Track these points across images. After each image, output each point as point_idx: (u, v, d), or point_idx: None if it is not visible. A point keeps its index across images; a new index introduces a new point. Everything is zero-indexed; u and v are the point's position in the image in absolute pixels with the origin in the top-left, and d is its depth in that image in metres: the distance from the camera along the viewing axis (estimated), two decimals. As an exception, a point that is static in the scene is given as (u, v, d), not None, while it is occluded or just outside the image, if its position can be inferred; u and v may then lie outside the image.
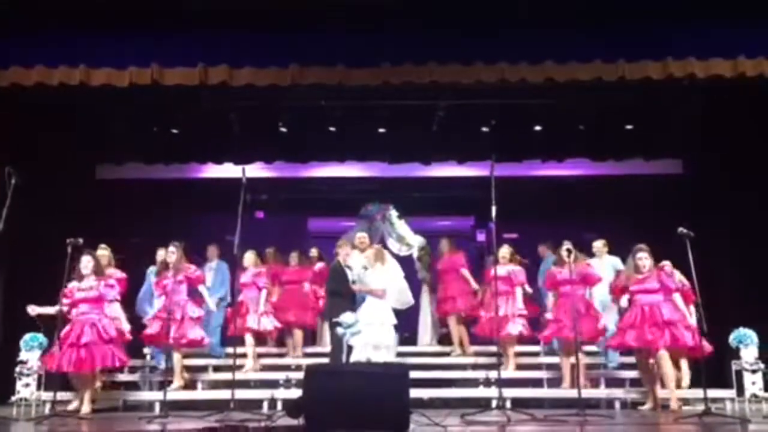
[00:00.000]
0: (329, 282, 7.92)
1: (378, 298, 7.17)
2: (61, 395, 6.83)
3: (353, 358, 6.98)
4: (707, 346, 6.62)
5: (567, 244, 7.35)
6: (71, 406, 6.68)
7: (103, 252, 7.59)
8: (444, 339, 9.09)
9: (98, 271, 6.84)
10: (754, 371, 7.35)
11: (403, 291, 7.58)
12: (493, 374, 7.39)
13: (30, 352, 7.44)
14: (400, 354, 7.79)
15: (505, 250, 8.09)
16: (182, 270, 7.43)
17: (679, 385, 6.97)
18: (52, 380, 6.92)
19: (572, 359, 7.04)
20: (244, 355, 8.12)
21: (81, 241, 6.62)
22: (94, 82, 7.46)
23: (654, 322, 6.54)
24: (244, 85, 7.57)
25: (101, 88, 7.51)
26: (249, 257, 8.41)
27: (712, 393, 6.45)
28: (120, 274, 7.63)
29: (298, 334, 8.73)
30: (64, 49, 7.49)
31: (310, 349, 8.88)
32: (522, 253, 8.97)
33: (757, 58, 7.34)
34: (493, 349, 7.72)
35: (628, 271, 6.88)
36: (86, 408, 6.60)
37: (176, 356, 7.48)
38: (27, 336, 7.47)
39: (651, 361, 6.71)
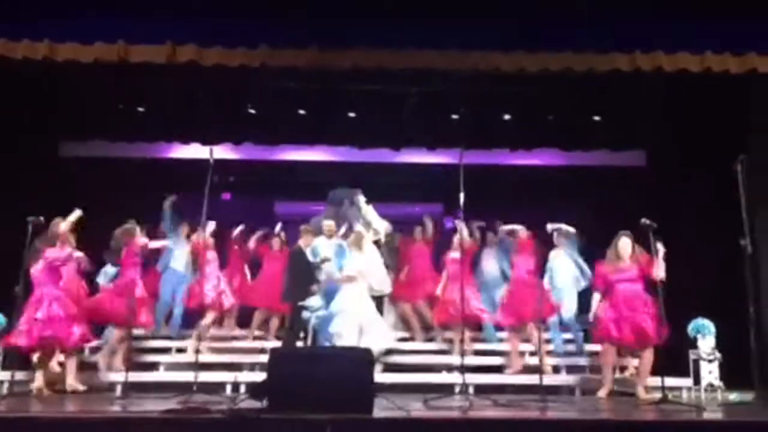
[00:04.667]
0: (290, 266, 7.88)
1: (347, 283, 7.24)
2: (20, 375, 6.73)
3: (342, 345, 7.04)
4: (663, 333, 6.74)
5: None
6: (35, 384, 6.57)
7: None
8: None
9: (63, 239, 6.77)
10: (710, 361, 7.50)
11: (381, 277, 7.62)
12: (456, 360, 7.46)
13: (-12, 331, 7.30)
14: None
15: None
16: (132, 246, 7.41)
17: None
18: (11, 360, 6.82)
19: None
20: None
21: (42, 219, 6.52)
22: (58, 57, 7.30)
23: (635, 311, 6.64)
24: (213, 65, 7.47)
25: (66, 63, 7.35)
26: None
27: (670, 381, 6.58)
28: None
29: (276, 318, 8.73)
30: (28, 23, 7.30)
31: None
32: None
33: (723, 53, 7.45)
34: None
35: (610, 257, 6.92)
36: (39, 383, 6.55)
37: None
38: (-14, 316, 7.33)
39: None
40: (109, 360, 7.48)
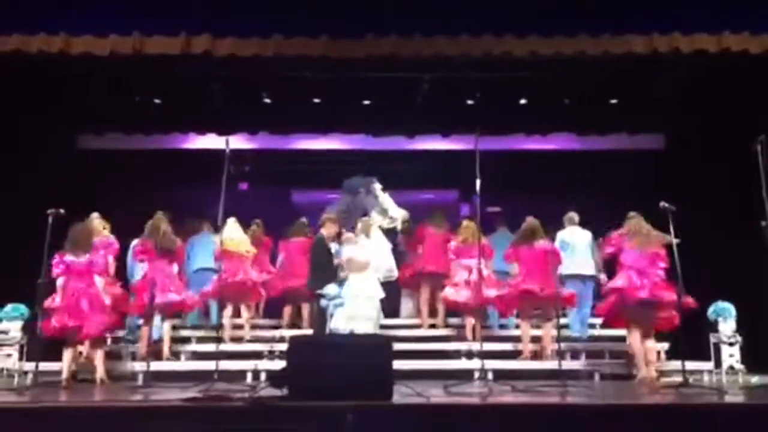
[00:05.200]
0: (313, 255, 7.95)
1: (359, 270, 7.25)
2: (44, 365, 6.81)
3: (333, 329, 7.08)
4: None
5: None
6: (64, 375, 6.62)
7: (98, 221, 7.55)
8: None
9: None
10: (731, 344, 7.45)
11: (388, 263, 7.62)
12: (475, 346, 7.46)
13: (11, 322, 7.39)
14: (382, 326, 7.86)
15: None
16: (169, 242, 7.45)
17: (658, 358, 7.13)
18: (34, 350, 6.90)
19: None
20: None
21: (62, 211, 6.56)
22: (74, 50, 7.35)
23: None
24: (226, 55, 7.50)
25: (82, 56, 7.40)
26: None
27: (690, 365, 6.55)
28: (113, 239, 7.61)
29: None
30: (43, 16, 7.36)
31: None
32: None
33: (742, 33, 7.35)
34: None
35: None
36: (66, 374, 6.59)
37: (165, 326, 7.57)
38: (8, 306, 7.42)
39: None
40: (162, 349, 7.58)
